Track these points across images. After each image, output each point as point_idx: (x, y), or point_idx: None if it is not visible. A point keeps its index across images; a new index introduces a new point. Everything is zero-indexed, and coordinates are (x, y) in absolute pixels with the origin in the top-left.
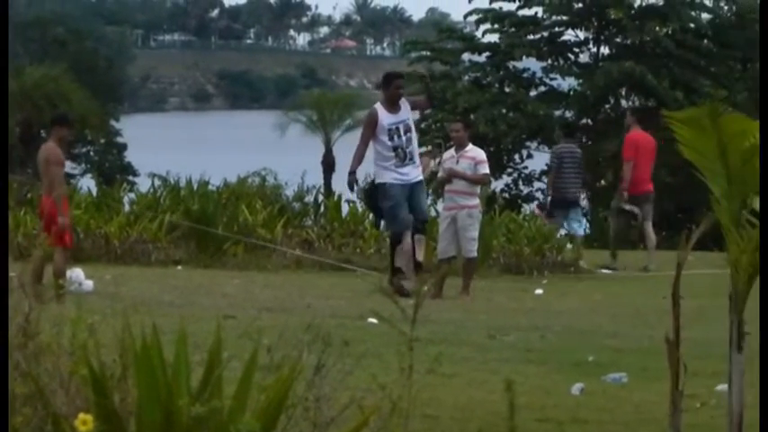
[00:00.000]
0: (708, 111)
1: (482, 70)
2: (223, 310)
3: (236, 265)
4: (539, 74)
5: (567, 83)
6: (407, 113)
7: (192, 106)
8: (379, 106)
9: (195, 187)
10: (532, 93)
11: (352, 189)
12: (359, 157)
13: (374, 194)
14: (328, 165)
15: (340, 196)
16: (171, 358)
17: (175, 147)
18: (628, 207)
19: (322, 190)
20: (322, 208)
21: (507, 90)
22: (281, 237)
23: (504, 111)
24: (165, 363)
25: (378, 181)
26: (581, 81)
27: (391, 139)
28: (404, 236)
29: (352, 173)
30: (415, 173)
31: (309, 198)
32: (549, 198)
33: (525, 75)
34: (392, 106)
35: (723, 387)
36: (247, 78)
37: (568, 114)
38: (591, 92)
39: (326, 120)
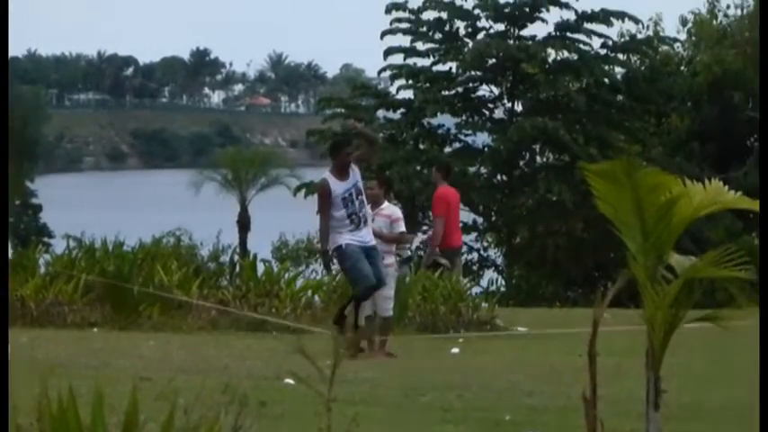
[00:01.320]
0: (623, 165)
1: (397, 127)
2: (139, 372)
3: (151, 326)
4: (453, 130)
5: (481, 139)
6: (356, 176)
7: (106, 166)
8: (329, 176)
9: (110, 248)
10: (447, 149)
11: (329, 269)
12: (326, 233)
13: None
14: (243, 224)
15: (255, 256)
16: (88, 421)
17: (91, 207)
18: (442, 261)
19: (237, 249)
20: (237, 268)
21: (422, 146)
22: (197, 297)
23: (418, 168)
24: (82, 426)
25: (333, 246)
26: (495, 137)
27: (345, 206)
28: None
29: (325, 252)
30: (369, 236)
31: (225, 258)
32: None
33: (440, 131)
34: (342, 174)
35: None
36: (162, 137)
37: (483, 170)
38: (505, 148)
39: (241, 178)
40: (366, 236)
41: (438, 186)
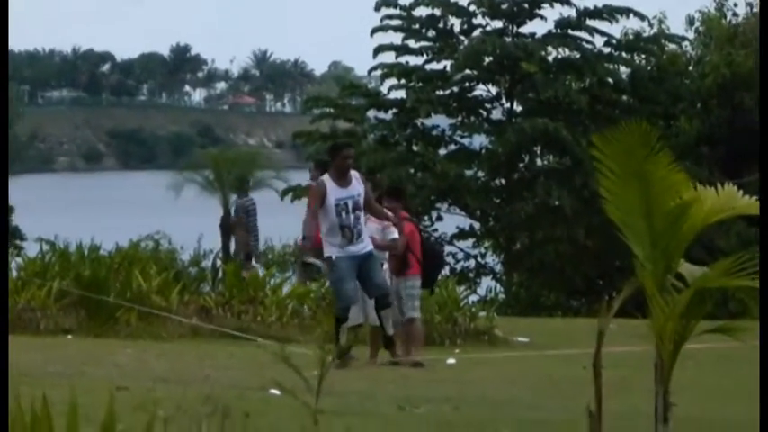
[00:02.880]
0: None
1: (388, 128)
2: (115, 381)
3: (128, 333)
4: (448, 131)
5: (478, 141)
6: (358, 189)
7: (82, 166)
8: (327, 178)
9: (86, 252)
10: (442, 151)
11: (305, 254)
12: (312, 227)
13: None
14: (226, 228)
15: (239, 261)
16: None
17: (65, 209)
18: (311, 260)
19: (220, 254)
20: (220, 273)
21: (415, 149)
22: (177, 304)
23: (411, 171)
24: None
25: (325, 254)
26: (493, 139)
27: (338, 215)
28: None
29: (308, 236)
30: (362, 245)
31: (206, 263)
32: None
33: (434, 132)
34: (341, 179)
35: None
36: (140, 137)
37: (480, 174)
38: (503, 150)
39: (224, 180)
40: (359, 246)
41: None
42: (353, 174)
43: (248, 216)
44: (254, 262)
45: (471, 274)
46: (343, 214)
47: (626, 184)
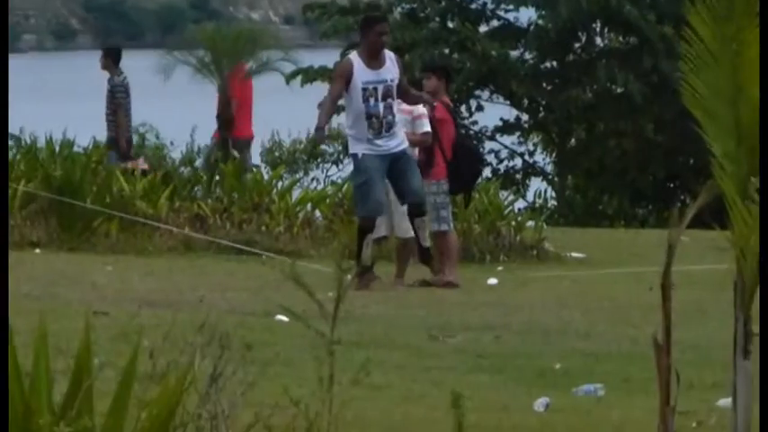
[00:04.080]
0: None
1: (419, 0)
2: (93, 305)
3: (108, 247)
4: (490, 4)
5: (525, 15)
6: (393, 73)
7: (51, 45)
8: (355, 57)
9: (57, 148)
10: (482, 28)
11: (319, 144)
12: (327, 113)
13: None
14: (225, 119)
15: (240, 159)
16: (28, 366)
17: (32, 97)
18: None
19: (217, 151)
20: (217, 175)
21: (450, 25)
22: (166, 211)
23: (446, 51)
24: (21, 372)
25: (350, 151)
26: (543, 12)
27: (366, 100)
28: (376, 222)
29: (320, 128)
30: (394, 142)
31: (201, 161)
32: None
33: (473, 5)
34: (372, 59)
35: (726, 402)
36: (121, 9)
37: (528, 55)
38: (555, 26)
39: (223, 62)
40: (391, 142)
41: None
42: (388, 54)
43: (127, 97)
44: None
45: (517, 176)
46: (372, 100)
47: (715, 58)
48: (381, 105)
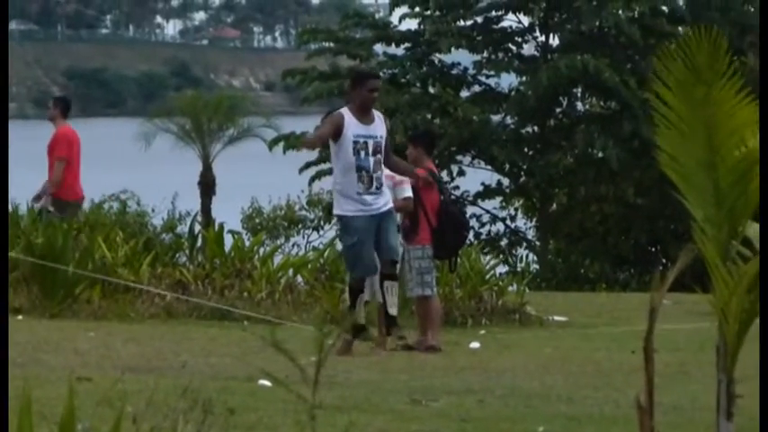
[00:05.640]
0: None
1: (400, 65)
2: (76, 371)
3: (91, 313)
4: (471, 69)
5: (507, 81)
6: (382, 130)
7: (33, 113)
8: (345, 111)
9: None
10: (464, 93)
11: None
12: (313, 138)
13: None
14: (207, 186)
15: (221, 226)
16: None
17: (12, 164)
18: (52, 209)
19: (199, 218)
20: (199, 241)
21: (432, 90)
22: (148, 278)
23: (428, 116)
24: None
25: (336, 212)
26: (524, 78)
27: (356, 153)
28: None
29: (304, 141)
30: (382, 201)
31: (183, 228)
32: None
33: (454, 71)
34: (363, 114)
35: None
36: (103, 78)
37: (510, 120)
38: (536, 92)
39: (203, 129)
40: (378, 201)
41: (57, 123)
42: (376, 112)
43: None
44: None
45: (499, 241)
46: (362, 153)
47: (688, 124)
48: (372, 160)
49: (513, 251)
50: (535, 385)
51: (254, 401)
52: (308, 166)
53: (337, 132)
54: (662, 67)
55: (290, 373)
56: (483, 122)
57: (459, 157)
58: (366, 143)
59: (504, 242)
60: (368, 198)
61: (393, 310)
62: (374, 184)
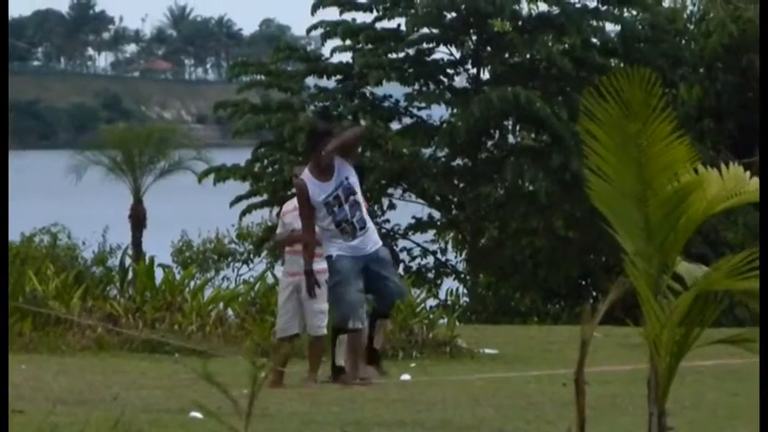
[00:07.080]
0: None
1: (331, 98)
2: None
3: (21, 346)
4: (402, 102)
5: (437, 113)
6: (345, 171)
7: None
8: (306, 175)
9: None
10: (395, 126)
11: (312, 293)
12: (310, 247)
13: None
14: (137, 218)
15: (152, 259)
16: None
17: None
18: None
19: (130, 251)
20: (130, 274)
21: (363, 122)
22: (79, 310)
23: (359, 149)
24: None
25: (324, 253)
26: (455, 111)
27: (331, 213)
28: (351, 323)
29: (310, 272)
30: (369, 243)
31: (114, 261)
32: None
33: (386, 103)
34: (323, 173)
35: None
36: (34, 110)
37: (440, 153)
38: (467, 124)
39: (135, 162)
40: (365, 242)
41: None
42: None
43: None
44: None
45: (429, 274)
46: (336, 209)
47: (617, 158)
48: (347, 208)
49: (438, 281)
50: (466, 418)
51: None
52: (239, 199)
53: (308, 201)
54: (592, 102)
55: (221, 405)
56: (414, 155)
57: (390, 191)
58: (337, 197)
59: (431, 274)
60: (354, 243)
61: (378, 344)
62: (356, 227)
